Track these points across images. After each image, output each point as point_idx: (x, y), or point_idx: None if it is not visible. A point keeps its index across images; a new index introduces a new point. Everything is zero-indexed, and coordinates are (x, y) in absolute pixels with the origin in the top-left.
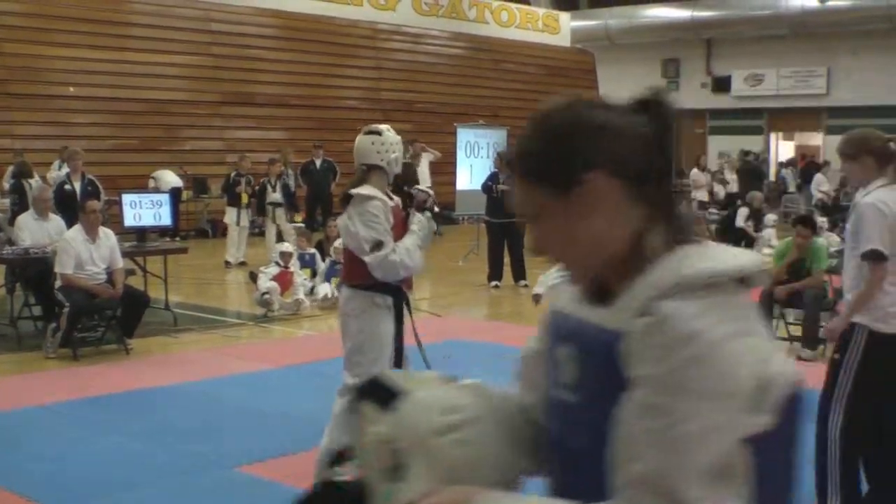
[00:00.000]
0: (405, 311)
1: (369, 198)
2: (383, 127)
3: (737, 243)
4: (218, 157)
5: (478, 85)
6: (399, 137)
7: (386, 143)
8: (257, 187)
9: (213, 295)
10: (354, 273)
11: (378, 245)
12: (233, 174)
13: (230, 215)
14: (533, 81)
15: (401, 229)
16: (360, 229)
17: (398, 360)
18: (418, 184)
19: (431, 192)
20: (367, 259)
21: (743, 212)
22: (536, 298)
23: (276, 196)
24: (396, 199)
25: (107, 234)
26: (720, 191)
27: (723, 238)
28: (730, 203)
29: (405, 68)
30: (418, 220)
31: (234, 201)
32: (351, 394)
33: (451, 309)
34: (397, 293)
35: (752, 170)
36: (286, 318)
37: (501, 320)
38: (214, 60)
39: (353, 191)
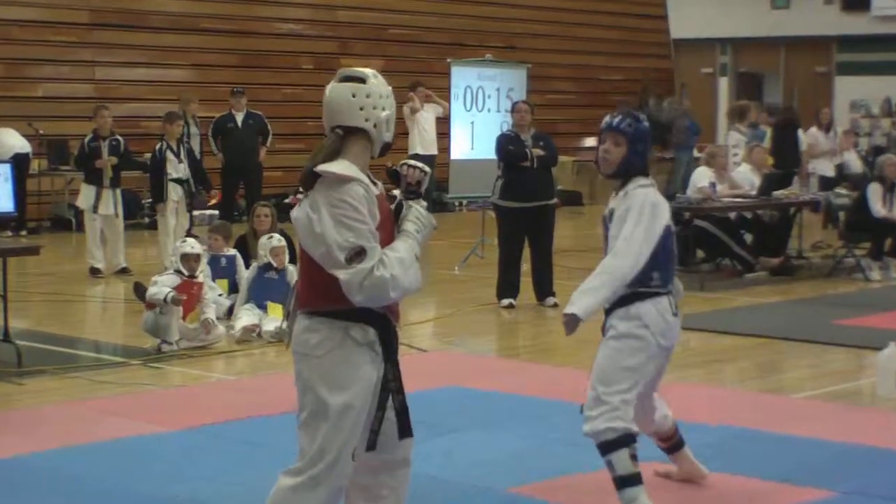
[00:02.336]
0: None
1: (346, 180)
2: (368, 71)
3: (879, 242)
4: (85, 108)
5: (484, 1)
6: (390, 88)
7: (373, 94)
8: (147, 156)
9: (77, 320)
10: (317, 293)
11: (358, 253)
12: (88, 138)
13: (86, 197)
14: None
15: (389, 228)
16: (330, 229)
17: (404, 420)
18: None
19: (427, 168)
20: (340, 275)
21: (875, 190)
22: (571, 324)
23: (182, 168)
24: (380, 182)
25: None
26: (852, 160)
27: (855, 234)
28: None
29: None
30: (416, 215)
31: (94, 177)
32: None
33: (443, 340)
34: (383, 323)
35: None
36: (190, 355)
37: (518, 357)
38: None
39: (321, 168)
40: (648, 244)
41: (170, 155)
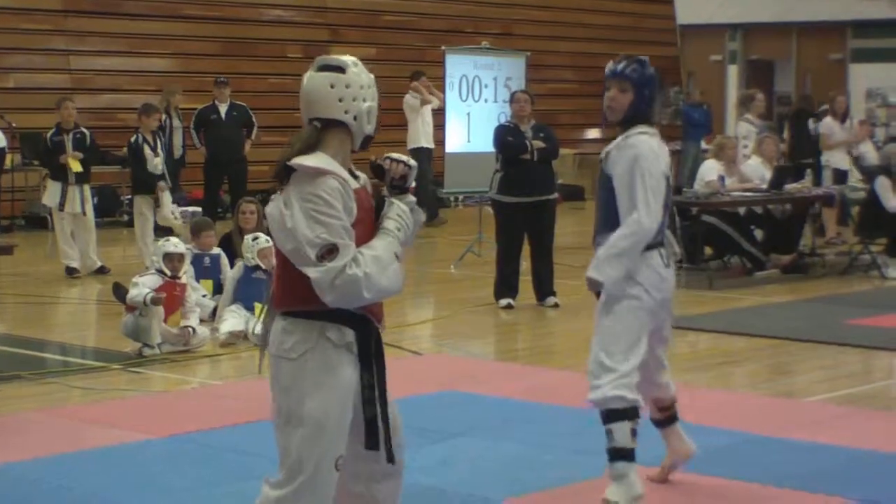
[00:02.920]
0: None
1: (320, 173)
2: (348, 59)
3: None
4: (58, 99)
5: None
6: (372, 76)
7: (353, 84)
8: (124, 148)
9: (53, 322)
10: (291, 293)
11: (330, 251)
12: (51, 132)
13: (52, 195)
14: None
15: (369, 225)
16: (302, 225)
17: (372, 432)
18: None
19: (413, 162)
20: (311, 273)
21: (884, 184)
22: (594, 286)
23: (157, 163)
24: (363, 176)
25: None
26: (868, 152)
27: (870, 228)
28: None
29: None
30: (397, 212)
31: (59, 174)
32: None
33: (439, 343)
34: (362, 325)
35: None
36: (172, 359)
37: (517, 361)
38: None
39: (295, 161)
40: (660, 196)
41: (146, 149)
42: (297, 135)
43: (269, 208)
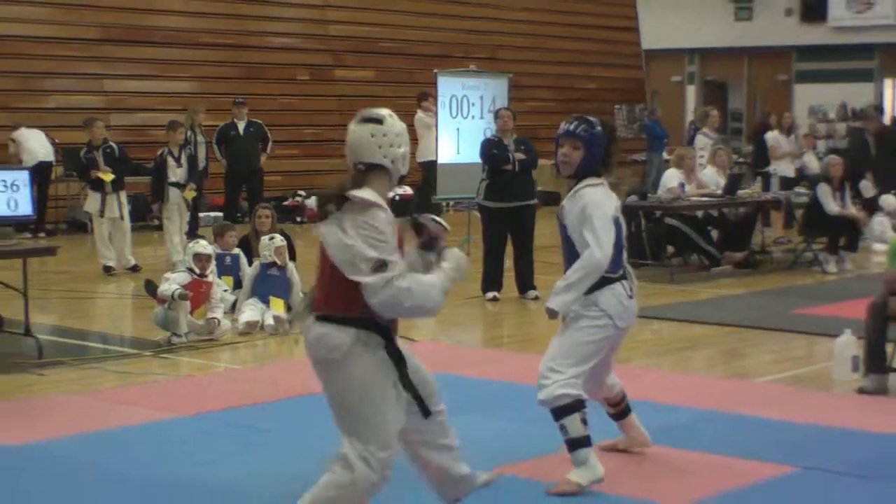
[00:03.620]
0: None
1: (372, 205)
2: (384, 112)
3: (835, 238)
4: (97, 117)
5: (468, 15)
6: (404, 125)
7: (389, 133)
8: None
9: (93, 315)
10: (335, 299)
11: (382, 265)
12: (83, 150)
13: (92, 203)
14: (545, 9)
15: (401, 253)
16: (359, 246)
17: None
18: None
19: (449, 227)
20: (364, 279)
21: (825, 190)
22: (552, 314)
23: (181, 173)
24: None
25: None
26: (811, 161)
27: (812, 230)
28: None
29: None
30: (457, 259)
31: (97, 184)
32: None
33: (431, 331)
34: (385, 333)
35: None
36: (198, 347)
37: (503, 347)
38: None
39: (353, 193)
40: (610, 233)
41: (170, 160)
42: (344, 176)
43: (325, 228)
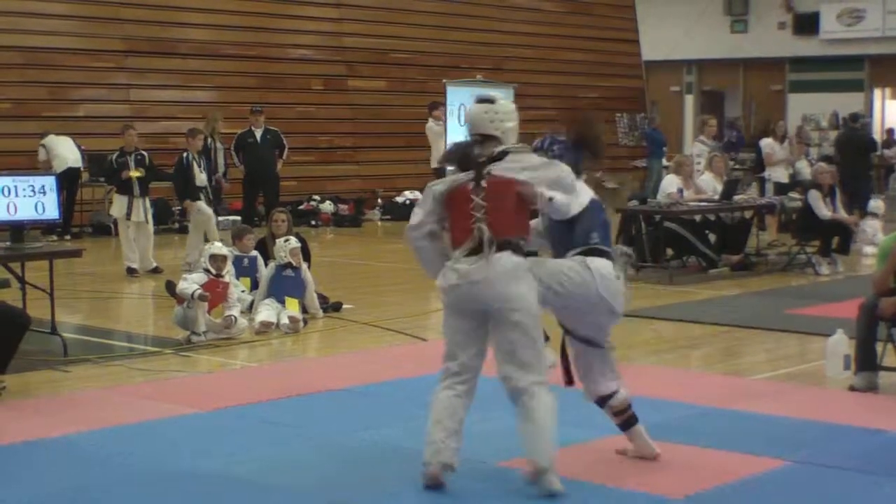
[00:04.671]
0: None
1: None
2: (497, 93)
3: (827, 241)
4: (122, 126)
5: (475, 28)
6: (514, 105)
7: (500, 111)
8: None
9: (116, 314)
10: (521, 227)
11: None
12: (115, 154)
13: (118, 207)
14: (549, 22)
15: (465, 209)
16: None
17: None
18: None
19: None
20: (559, 196)
21: (815, 196)
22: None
23: (203, 177)
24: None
25: None
26: (803, 168)
27: (805, 232)
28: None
29: (376, 5)
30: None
31: (124, 189)
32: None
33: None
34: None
35: (856, 140)
36: (215, 344)
37: None
38: None
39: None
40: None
41: (195, 165)
42: (468, 140)
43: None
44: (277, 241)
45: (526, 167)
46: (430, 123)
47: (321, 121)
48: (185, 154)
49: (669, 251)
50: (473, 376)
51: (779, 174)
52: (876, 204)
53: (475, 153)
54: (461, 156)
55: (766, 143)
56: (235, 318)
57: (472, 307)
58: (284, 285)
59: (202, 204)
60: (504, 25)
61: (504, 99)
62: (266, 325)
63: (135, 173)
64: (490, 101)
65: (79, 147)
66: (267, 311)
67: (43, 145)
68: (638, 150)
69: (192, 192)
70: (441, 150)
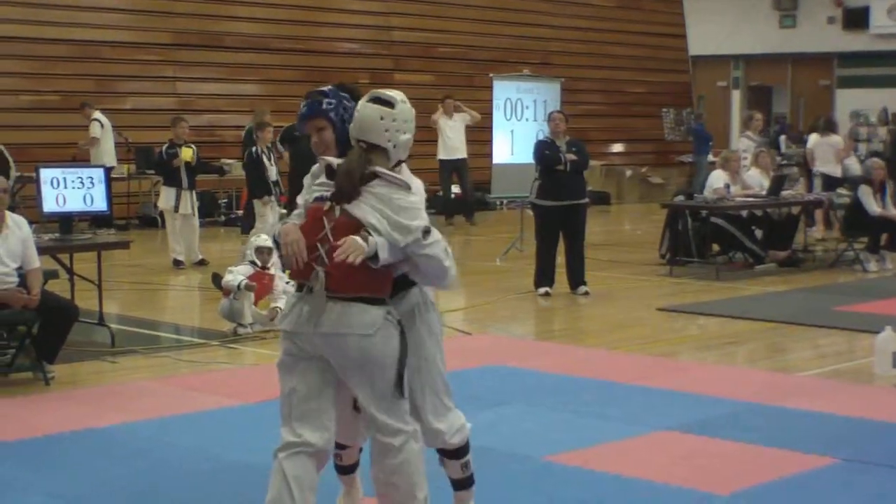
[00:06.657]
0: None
1: (403, 184)
2: (397, 96)
3: (875, 238)
4: (168, 119)
5: (522, 22)
6: (414, 112)
7: (398, 119)
8: (223, 161)
9: (163, 306)
10: (362, 282)
11: (427, 231)
12: (165, 146)
13: (166, 198)
14: (597, 17)
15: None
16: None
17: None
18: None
19: None
20: (427, 240)
21: (866, 191)
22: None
23: (273, 171)
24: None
25: (17, 224)
26: (852, 164)
27: (854, 229)
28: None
29: None
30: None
31: (173, 180)
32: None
33: (486, 324)
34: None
35: None
36: (261, 336)
37: (553, 340)
38: None
39: (380, 170)
40: None
41: (265, 159)
42: (351, 152)
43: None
44: None
45: (384, 204)
46: (436, 115)
47: None
48: (253, 148)
49: (716, 247)
50: None
51: (830, 168)
52: None
53: (350, 171)
54: (338, 169)
55: (814, 139)
56: (281, 309)
57: None
58: None
59: (270, 211)
60: (552, 20)
61: (404, 102)
62: None
63: (185, 155)
64: (389, 103)
65: (126, 139)
66: None
67: (98, 120)
68: (684, 145)
69: (265, 188)
70: (439, 145)
